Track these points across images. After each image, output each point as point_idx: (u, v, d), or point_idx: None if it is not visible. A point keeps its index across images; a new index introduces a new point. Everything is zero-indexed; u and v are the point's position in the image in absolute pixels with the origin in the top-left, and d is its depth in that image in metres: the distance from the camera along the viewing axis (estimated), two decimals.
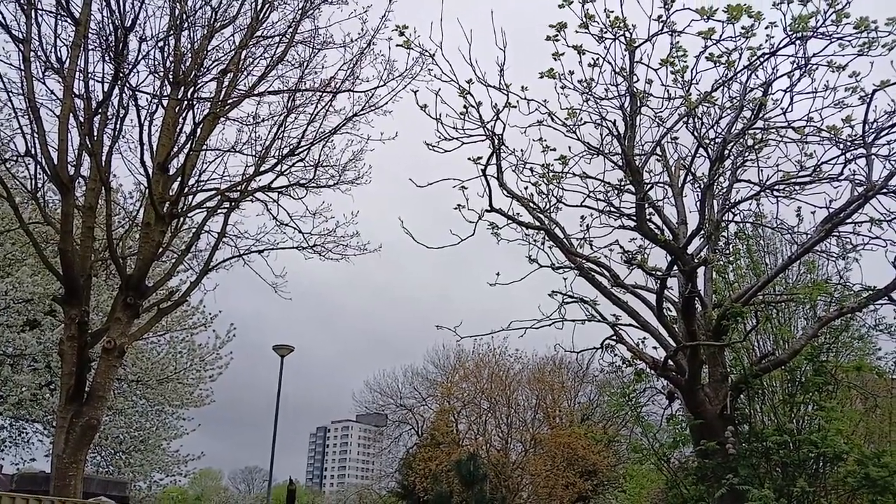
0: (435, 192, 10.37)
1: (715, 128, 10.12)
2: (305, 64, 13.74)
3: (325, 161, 14.31)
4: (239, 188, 13.85)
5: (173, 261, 15.24)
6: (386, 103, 13.76)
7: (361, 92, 13.76)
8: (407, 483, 42.41)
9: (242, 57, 13.29)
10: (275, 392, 26.64)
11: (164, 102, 12.82)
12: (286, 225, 14.47)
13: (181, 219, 14.13)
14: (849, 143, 9.30)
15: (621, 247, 11.03)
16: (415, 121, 10.32)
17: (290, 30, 13.47)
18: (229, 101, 13.34)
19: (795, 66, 9.10)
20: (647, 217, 10.23)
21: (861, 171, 9.31)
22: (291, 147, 13.90)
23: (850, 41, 8.67)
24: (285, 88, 13.76)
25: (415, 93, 10.03)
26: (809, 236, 10.20)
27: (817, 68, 9.08)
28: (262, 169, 13.81)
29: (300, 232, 14.53)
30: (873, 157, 9.09)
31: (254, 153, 13.89)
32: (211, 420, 29.16)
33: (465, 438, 43.88)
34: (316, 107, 13.84)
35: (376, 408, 51.88)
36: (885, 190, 9.24)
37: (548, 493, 39.09)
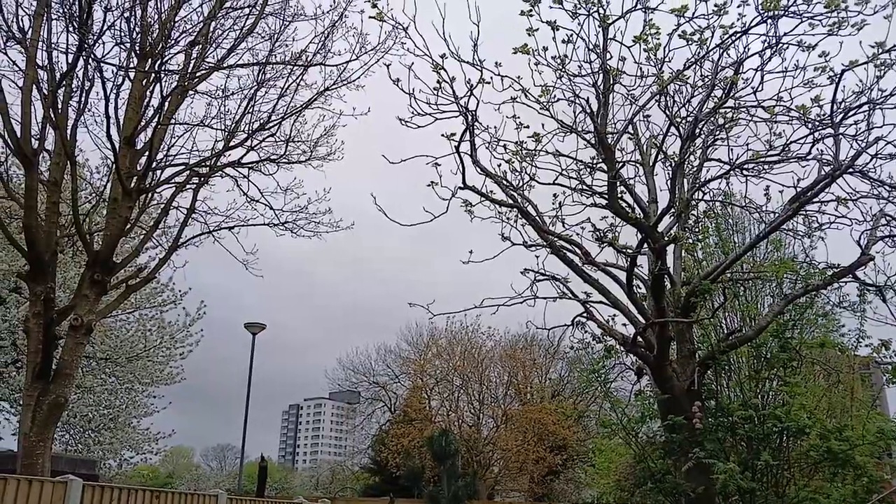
0: (411, 166, 10.32)
1: (686, 106, 10.17)
2: (276, 36, 13.54)
3: (297, 136, 14.18)
4: (208, 163, 13.66)
5: (141, 237, 15.02)
6: (358, 77, 13.64)
7: (333, 66, 13.61)
8: (379, 459, 42.74)
9: (211, 28, 13.03)
10: (247, 369, 26.55)
11: (131, 75, 12.55)
12: (257, 201, 14.34)
13: (149, 194, 13.91)
14: (817, 123, 9.40)
15: (593, 225, 11.09)
16: (388, 95, 10.22)
17: (261, 1, 13.22)
18: (198, 74, 13.11)
19: (766, 45, 9.15)
20: (619, 195, 10.27)
21: (828, 150, 9.42)
22: (262, 122, 13.74)
23: (820, 20, 8.73)
24: (255, 61, 13.55)
25: (388, 67, 9.92)
26: (777, 215, 10.33)
27: (788, 47, 9.13)
28: (231, 144, 13.62)
29: (271, 208, 14.42)
30: (840, 136, 9.19)
31: (223, 128, 13.70)
32: (182, 398, 29.02)
33: (437, 415, 44.24)
34: (287, 80, 13.68)
35: (349, 385, 52.04)
36: (851, 169, 9.36)
37: (518, 467, 39.66)
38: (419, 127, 10.11)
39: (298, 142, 14.17)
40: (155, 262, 14.80)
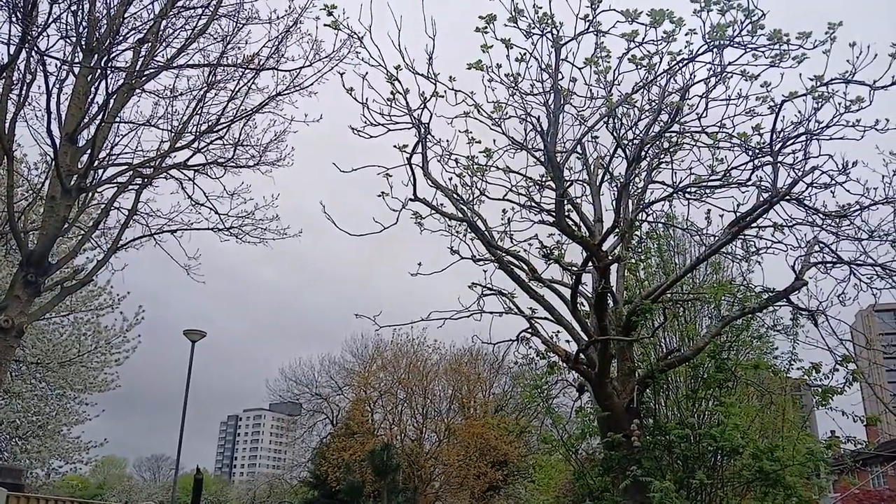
0: (363, 175, 10.28)
1: (633, 129, 10.38)
2: (228, 38, 13.34)
3: (246, 140, 13.96)
4: (153, 164, 13.33)
5: (79, 238, 14.55)
6: (311, 84, 13.51)
7: (286, 71, 13.47)
8: (319, 473, 42.08)
9: (162, 27, 12.78)
10: (186, 377, 25.89)
11: (76, 70, 12.20)
12: (202, 205, 14.05)
13: (89, 194, 13.50)
14: (757, 151, 9.71)
15: (540, 241, 11.22)
16: (341, 103, 10.18)
17: (214, 2, 13.03)
18: (146, 73, 12.82)
19: (712, 73, 9.44)
20: (566, 213, 10.42)
21: (767, 177, 9.73)
22: (210, 124, 13.48)
23: (763, 52, 9.05)
24: (206, 62, 13.32)
25: (341, 75, 9.90)
26: (717, 238, 10.62)
27: (732, 77, 9.44)
28: (178, 145, 13.34)
29: (216, 213, 14.14)
30: (779, 164, 9.51)
31: (170, 128, 13.39)
32: (116, 405, 28.14)
33: (380, 428, 43.89)
34: (238, 83, 13.47)
35: (291, 396, 51.24)
36: (788, 197, 9.69)
37: (459, 482, 39.58)
38: (371, 137, 10.11)
39: (247, 146, 13.97)
40: (93, 263, 14.32)
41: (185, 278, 14.24)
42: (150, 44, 12.55)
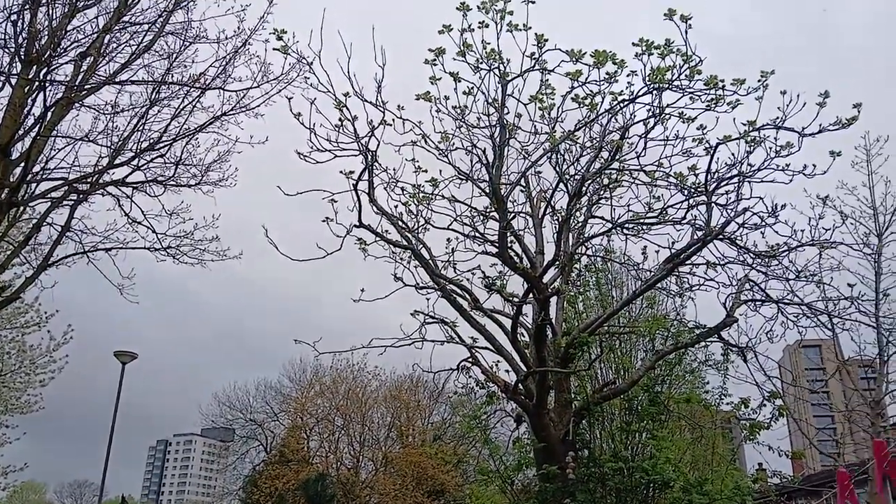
0: (308, 199, 10.23)
1: (575, 165, 10.65)
2: (174, 56, 13.12)
3: (188, 159, 13.68)
4: (89, 180, 12.95)
5: (8, 253, 13.97)
6: (258, 105, 13.38)
7: (233, 91, 13.30)
8: (251, 501, 40.88)
9: (105, 41, 12.52)
10: (115, 399, 24.96)
11: (13, 80, 11.83)
12: (139, 223, 13.67)
13: (21, 208, 13.02)
14: (692, 190, 10.06)
15: (483, 272, 11.34)
16: (288, 125, 10.14)
17: (161, 19, 12.85)
18: (86, 87, 12.50)
19: (651, 114, 9.76)
20: (509, 245, 10.57)
21: (702, 216, 10.08)
22: (152, 141, 13.18)
23: (700, 96, 9.42)
24: (150, 79, 13.08)
25: (289, 100, 9.87)
26: (653, 274, 10.92)
27: (670, 118, 9.77)
28: (116, 161, 12.99)
29: (153, 231, 13.77)
30: (713, 204, 9.87)
31: (109, 144, 13.05)
32: (39, 428, 26.86)
33: (315, 456, 43.03)
34: (182, 101, 13.23)
35: (224, 422, 49.77)
36: (721, 236, 10.06)
37: None
38: (318, 162, 10.10)
39: (189, 165, 13.69)
40: (21, 280, 13.75)
41: (120, 297, 13.78)
42: (92, 58, 12.27)
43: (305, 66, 9.89)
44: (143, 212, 13.64)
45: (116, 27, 12.45)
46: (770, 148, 9.45)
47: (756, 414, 11.22)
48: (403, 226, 10.95)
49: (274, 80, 12.93)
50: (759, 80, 9.10)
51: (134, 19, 12.80)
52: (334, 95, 9.84)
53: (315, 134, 9.90)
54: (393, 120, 9.96)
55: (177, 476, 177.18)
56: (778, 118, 9.22)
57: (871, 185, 15.72)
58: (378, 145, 10.09)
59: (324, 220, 10.41)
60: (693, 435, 14.58)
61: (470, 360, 11.29)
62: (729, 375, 12.93)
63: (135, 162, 13.17)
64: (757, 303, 10.84)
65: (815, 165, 9.47)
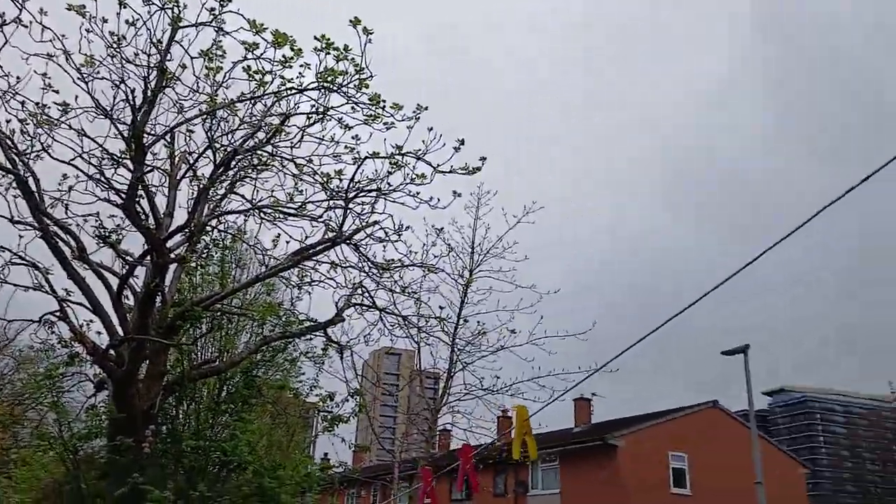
0: None
1: (229, 136, 10.28)
2: None
3: None
4: None
5: None
6: None
7: None
8: None
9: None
10: None
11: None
12: None
13: None
14: (334, 193, 10.48)
15: (100, 220, 10.19)
16: None
17: None
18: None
19: (314, 110, 9.91)
20: (137, 199, 9.71)
21: (337, 219, 10.56)
22: None
23: (361, 108, 9.86)
24: None
25: None
26: (279, 262, 11.07)
27: (330, 120, 10.03)
28: None
29: None
30: (349, 210, 10.42)
31: None
32: None
33: None
34: None
35: None
36: (349, 241, 10.66)
37: None
38: None
39: None
40: None
41: None
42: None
43: None
44: None
45: None
46: (408, 174, 10.28)
47: (339, 408, 12.05)
48: (12, 146, 9.34)
49: None
50: (413, 112, 9.86)
51: None
52: None
53: None
54: (31, 22, 8.48)
55: None
56: (420, 150, 10.08)
57: (475, 228, 18.33)
58: (4, 44, 8.50)
59: None
60: (275, 421, 14.99)
61: (58, 313, 10.04)
62: (324, 369, 13.72)
63: None
64: (364, 307, 11.68)
65: (439, 199, 10.56)
